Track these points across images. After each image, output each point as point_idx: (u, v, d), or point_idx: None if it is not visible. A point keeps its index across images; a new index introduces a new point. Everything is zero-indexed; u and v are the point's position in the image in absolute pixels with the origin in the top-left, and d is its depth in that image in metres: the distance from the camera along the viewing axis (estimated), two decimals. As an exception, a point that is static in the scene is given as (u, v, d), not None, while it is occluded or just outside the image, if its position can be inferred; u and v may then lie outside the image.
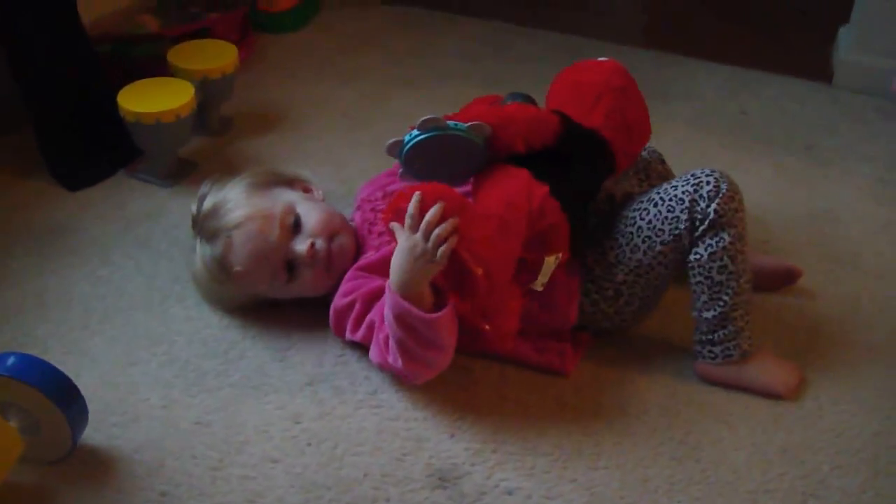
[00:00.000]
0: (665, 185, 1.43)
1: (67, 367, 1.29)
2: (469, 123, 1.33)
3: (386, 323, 1.34)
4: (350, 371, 1.44)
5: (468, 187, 1.40)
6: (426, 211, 1.26)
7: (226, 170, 1.66)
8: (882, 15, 2.19)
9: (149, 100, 1.78)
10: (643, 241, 1.41)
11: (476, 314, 1.32)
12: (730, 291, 1.38)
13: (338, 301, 1.45)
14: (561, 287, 1.42)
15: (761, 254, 1.66)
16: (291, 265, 1.47)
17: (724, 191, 1.37)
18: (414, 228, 1.27)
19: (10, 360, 1.22)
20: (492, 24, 2.58)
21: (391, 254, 1.32)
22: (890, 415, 1.40)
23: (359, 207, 1.60)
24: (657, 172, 1.62)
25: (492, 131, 1.35)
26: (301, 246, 1.46)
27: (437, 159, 1.35)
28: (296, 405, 1.39)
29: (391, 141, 1.35)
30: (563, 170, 1.38)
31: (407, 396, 1.40)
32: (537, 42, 2.47)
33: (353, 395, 1.41)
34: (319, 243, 1.47)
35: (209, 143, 2.00)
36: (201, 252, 1.50)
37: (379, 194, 1.58)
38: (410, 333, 1.30)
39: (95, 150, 1.88)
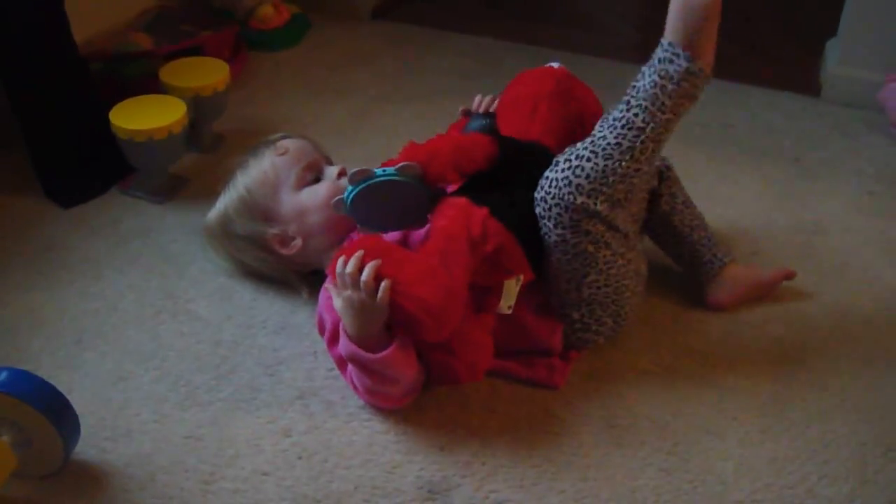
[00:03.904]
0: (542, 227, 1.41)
1: (59, 382, 1.30)
2: (397, 166, 1.37)
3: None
4: (340, 385, 1.45)
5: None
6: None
7: (218, 186, 1.66)
8: (869, 28, 2.21)
9: (141, 117, 1.79)
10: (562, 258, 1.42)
11: (442, 351, 1.35)
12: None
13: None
14: (541, 325, 1.45)
15: (756, 267, 1.68)
16: (318, 179, 1.60)
17: (571, 201, 1.35)
18: (343, 286, 1.30)
19: (3, 376, 1.23)
20: (483, 40, 2.60)
21: None
22: (876, 424, 1.41)
23: None
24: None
25: (421, 168, 1.38)
26: (333, 169, 1.62)
27: (381, 206, 1.40)
28: (286, 419, 1.39)
29: (335, 200, 1.42)
30: (505, 189, 1.41)
31: (397, 409, 1.40)
32: (529, 58, 2.46)
33: (343, 408, 1.41)
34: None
35: (201, 160, 2.01)
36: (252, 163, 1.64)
37: None
38: (364, 370, 1.34)
39: (88, 168, 1.89)
